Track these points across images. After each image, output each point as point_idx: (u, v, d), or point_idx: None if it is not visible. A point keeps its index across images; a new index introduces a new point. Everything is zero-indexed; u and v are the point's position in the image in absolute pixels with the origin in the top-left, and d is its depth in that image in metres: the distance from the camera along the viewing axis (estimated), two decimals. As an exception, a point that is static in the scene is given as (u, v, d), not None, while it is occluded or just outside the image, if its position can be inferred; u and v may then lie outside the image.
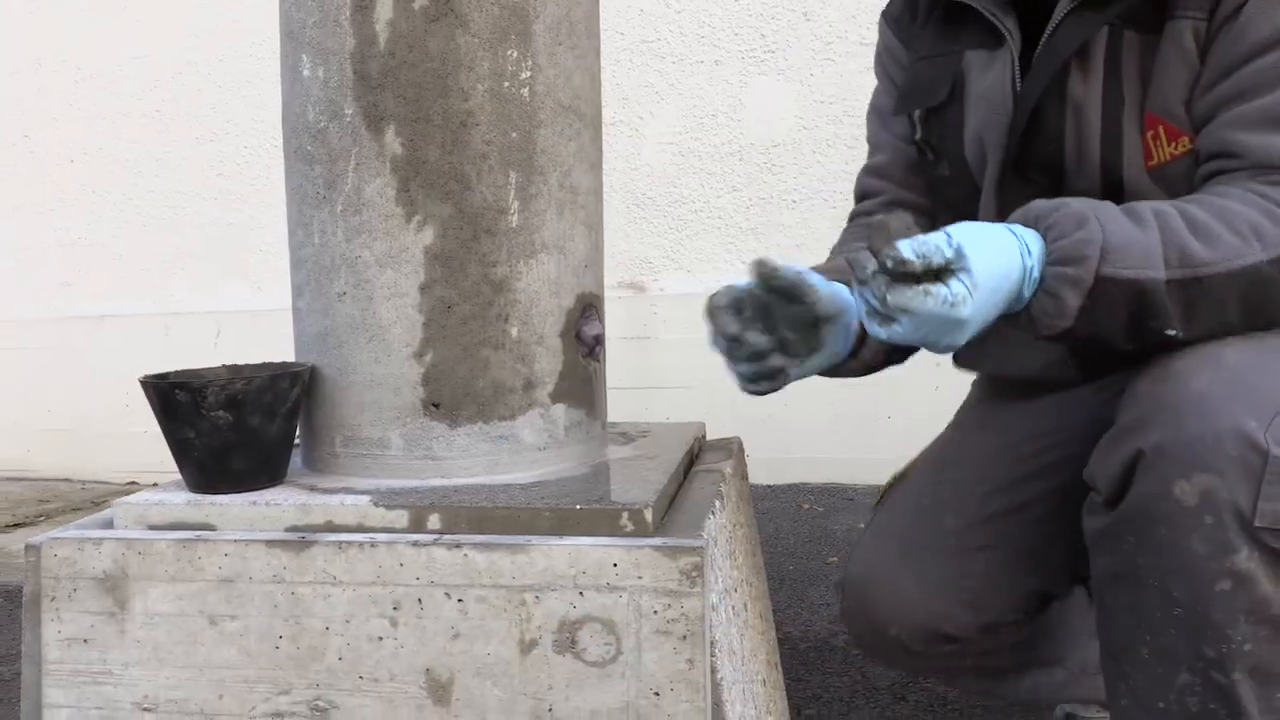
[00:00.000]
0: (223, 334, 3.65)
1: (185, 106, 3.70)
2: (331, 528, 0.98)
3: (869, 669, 1.90)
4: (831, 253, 1.34)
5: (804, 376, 1.08)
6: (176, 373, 1.11)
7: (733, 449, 1.31)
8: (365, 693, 0.91)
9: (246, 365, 1.16)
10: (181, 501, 1.02)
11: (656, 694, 0.86)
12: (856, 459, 3.19)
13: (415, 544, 0.91)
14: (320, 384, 1.10)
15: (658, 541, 0.88)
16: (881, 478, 3.23)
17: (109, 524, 1.04)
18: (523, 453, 1.08)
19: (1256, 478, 0.91)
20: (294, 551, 0.93)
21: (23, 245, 3.90)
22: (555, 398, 1.10)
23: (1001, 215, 1.17)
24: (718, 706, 0.90)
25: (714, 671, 0.90)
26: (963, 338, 0.91)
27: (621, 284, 3.24)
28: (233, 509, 1.00)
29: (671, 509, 1.03)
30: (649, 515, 0.93)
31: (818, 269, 1.10)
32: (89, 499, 3.51)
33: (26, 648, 1.00)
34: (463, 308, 1.05)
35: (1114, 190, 1.13)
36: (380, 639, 0.91)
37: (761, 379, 1.05)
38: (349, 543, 0.92)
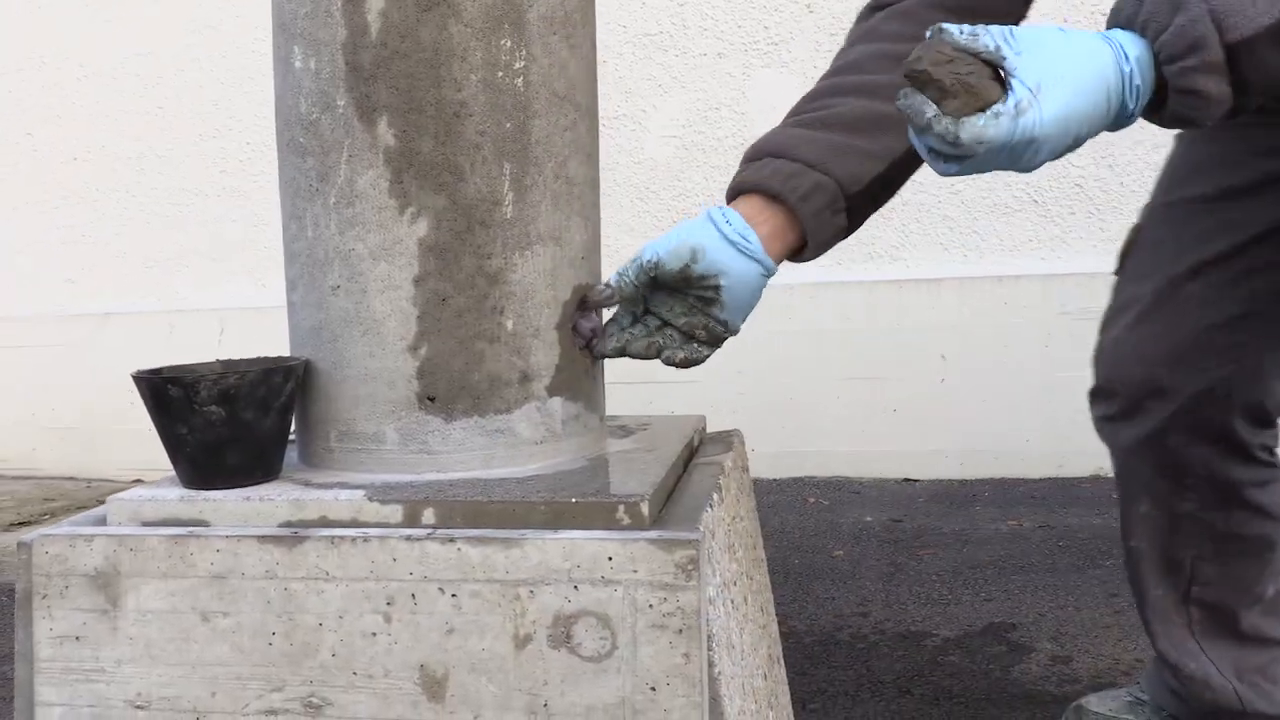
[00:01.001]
0: (226, 331, 3.64)
1: (188, 103, 3.69)
2: (325, 523, 0.97)
3: (874, 663, 1.89)
4: (839, 56, 1.19)
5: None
6: (170, 368, 1.10)
7: (733, 442, 1.30)
8: (359, 689, 0.90)
9: (242, 360, 1.15)
10: (175, 498, 1.01)
11: (653, 689, 0.85)
12: (861, 452, 3.17)
13: (409, 539, 0.90)
14: (315, 378, 1.09)
15: (653, 534, 0.87)
16: (887, 471, 3.23)
17: (102, 521, 1.03)
18: (519, 446, 1.06)
19: None
20: (286, 547, 0.92)
21: (26, 243, 3.90)
22: (552, 391, 1.08)
23: None
24: (715, 701, 0.89)
25: (711, 665, 0.88)
26: (1040, 158, 0.83)
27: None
28: (226, 505, 0.99)
29: (669, 502, 1.02)
30: (645, 508, 0.91)
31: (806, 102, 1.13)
32: (94, 497, 3.52)
33: (19, 645, 0.99)
34: (457, 300, 1.04)
35: None
36: (374, 635, 0.90)
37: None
38: (341, 538, 0.91)
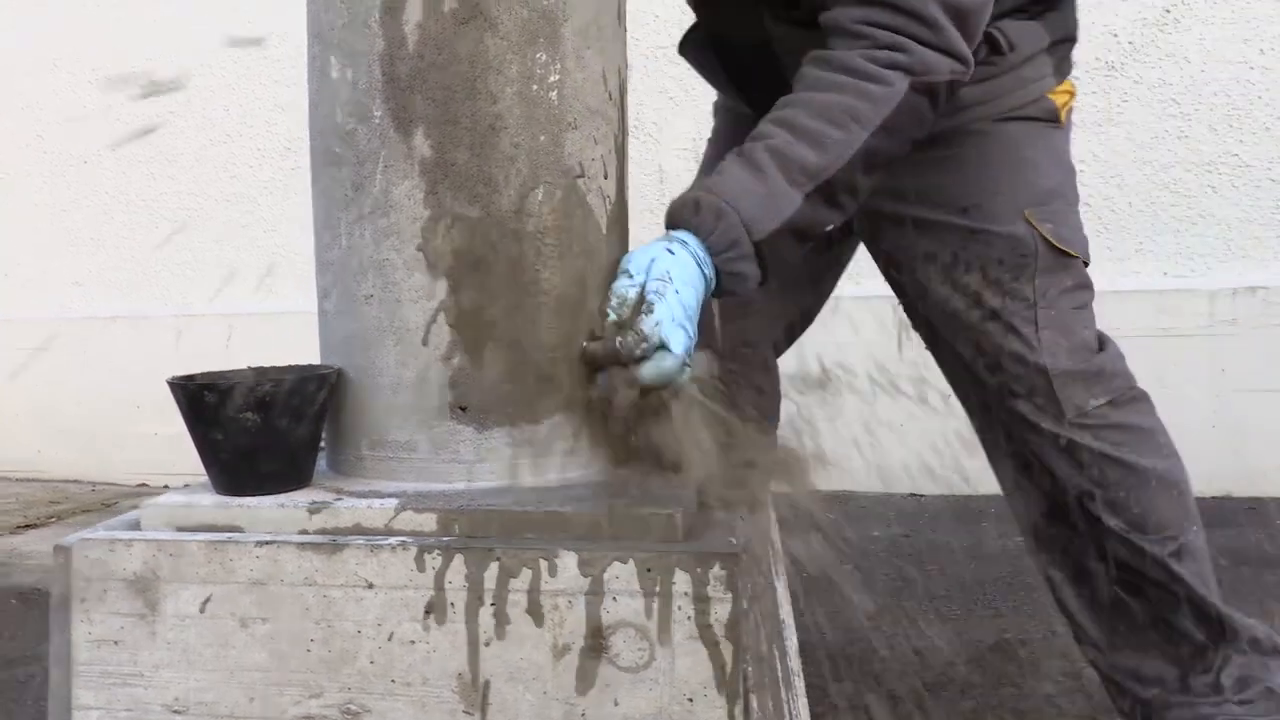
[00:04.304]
0: (234, 336, 3.65)
1: (198, 108, 3.70)
2: (360, 530, 0.98)
3: (886, 678, 1.89)
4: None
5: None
6: (203, 374, 1.11)
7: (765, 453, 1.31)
8: (397, 696, 0.91)
9: (272, 367, 1.16)
10: (210, 504, 1.02)
11: (690, 699, 0.86)
12: (866, 466, 3.18)
13: (447, 547, 0.91)
14: (347, 386, 1.10)
15: (693, 547, 0.88)
16: (894, 486, 3.22)
17: (136, 525, 1.04)
18: (549, 456, 1.07)
19: None
20: (326, 554, 0.93)
21: (35, 245, 3.90)
22: (581, 401, 1.09)
23: (699, 3, 1.49)
24: (747, 713, 0.90)
25: (746, 678, 0.89)
26: (679, 330, 1.05)
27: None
28: (261, 511, 1.00)
29: (700, 513, 1.03)
30: (680, 520, 0.92)
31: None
32: (99, 500, 3.52)
33: (55, 649, 1.00)
34: (491, 310, 1.05)
35: None
36: (412, 643, 0.90)
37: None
38: (380, 545, 0.92)
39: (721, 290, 1.16)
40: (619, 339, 1.03)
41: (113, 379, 3.73)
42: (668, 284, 1.06)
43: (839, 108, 1.18)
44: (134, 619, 0.96)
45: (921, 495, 3.12)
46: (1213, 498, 2.89)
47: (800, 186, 1.15)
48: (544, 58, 1.05)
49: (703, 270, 1.12)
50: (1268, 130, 2.96)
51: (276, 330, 3.59)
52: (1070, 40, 1.46)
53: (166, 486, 3.67)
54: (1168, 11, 3.00)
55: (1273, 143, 2.96)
